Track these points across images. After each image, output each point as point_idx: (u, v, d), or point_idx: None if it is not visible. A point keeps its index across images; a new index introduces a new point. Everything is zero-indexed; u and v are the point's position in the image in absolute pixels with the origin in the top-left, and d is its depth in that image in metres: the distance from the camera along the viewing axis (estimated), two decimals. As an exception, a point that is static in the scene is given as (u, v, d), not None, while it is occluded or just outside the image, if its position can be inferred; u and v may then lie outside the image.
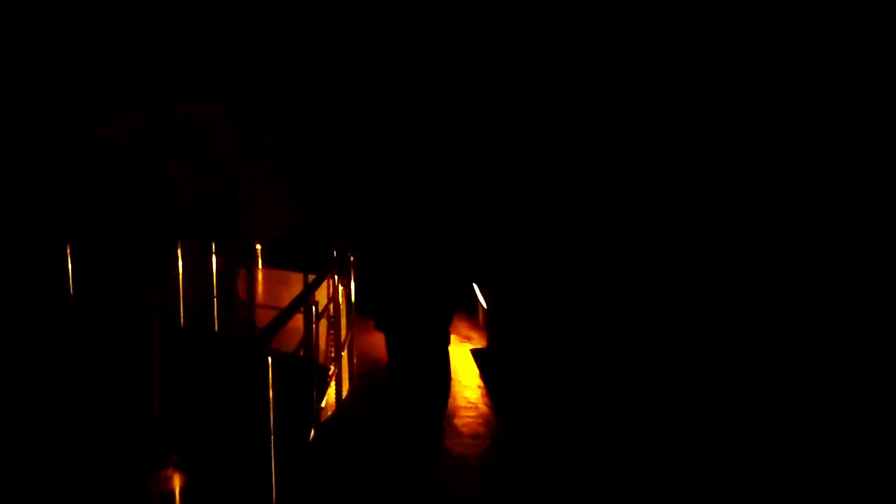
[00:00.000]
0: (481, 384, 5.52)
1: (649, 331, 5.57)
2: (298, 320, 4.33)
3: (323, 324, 4.97)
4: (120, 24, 7.72)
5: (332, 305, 5.24)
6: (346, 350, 5.47)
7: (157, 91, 8.12)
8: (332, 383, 4.79)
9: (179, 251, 7.58)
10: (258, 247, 6.79)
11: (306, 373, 4.03)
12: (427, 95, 8.43)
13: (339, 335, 5.17)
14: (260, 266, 6.76)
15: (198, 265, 7.74)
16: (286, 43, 8.35)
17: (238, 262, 6.89)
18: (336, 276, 5.77)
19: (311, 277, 5.18)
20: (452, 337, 7.21)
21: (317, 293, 5.37)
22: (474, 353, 6.51)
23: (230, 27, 8.05)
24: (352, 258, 5.76)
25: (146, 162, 8.68)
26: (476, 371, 5.98)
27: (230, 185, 8.99)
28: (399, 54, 8.49)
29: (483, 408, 4.77)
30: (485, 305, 7.13)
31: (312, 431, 3.92)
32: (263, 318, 6.64)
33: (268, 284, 6.72)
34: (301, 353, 4.11)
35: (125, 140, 8.45)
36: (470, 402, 4.91)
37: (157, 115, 8.36)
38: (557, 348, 5.86)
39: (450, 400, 4.89)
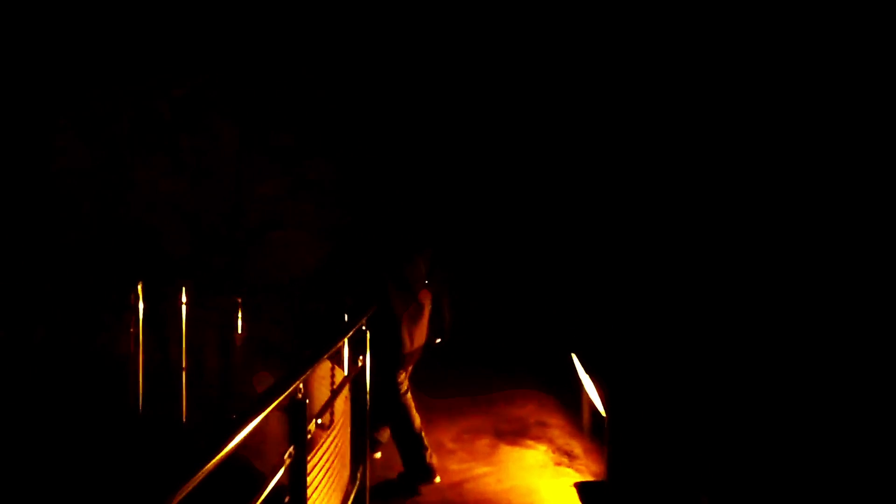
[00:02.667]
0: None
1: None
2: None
3: (323, 441, 2.57)
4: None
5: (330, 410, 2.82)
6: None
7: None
8: None
9: (139, 296, 5.26)
10: (239, 301, 4.32)
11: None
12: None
13: (335, 466, 2.64)
14: (239, 330, 4.28)
15: (173, 317, 5.39)
16: None
17: (218, 321, 4.46)
18: (346, 354, 3.28)
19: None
20: (541, 455, 4.44)
21: (318, 384, 3.13)
22: (582, 490, 3.80)
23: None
24: (364, 325, 3.22)
25: (112, 173, 6.41)
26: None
27: (230, 207, 6.62)
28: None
29: None
30: (596, 402, 4.38)
31: None
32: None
33: (248, 359, 4.23)
34: None
35: (79, 143, 6.21)
36: None
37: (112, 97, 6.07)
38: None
39: None
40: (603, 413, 4.24)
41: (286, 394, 1.89)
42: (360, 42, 6.75)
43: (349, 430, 3.12)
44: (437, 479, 3.91)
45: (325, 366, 3.38)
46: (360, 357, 3.15)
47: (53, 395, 5.39)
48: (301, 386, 2.01)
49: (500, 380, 5.95)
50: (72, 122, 6.14)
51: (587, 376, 4.59)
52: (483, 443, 4.47)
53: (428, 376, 6.32)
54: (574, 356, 5.06)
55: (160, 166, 6.59)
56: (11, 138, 6.14)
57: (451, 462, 4.15)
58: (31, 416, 5.12)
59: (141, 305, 5.22)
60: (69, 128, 6.21)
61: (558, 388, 5.49)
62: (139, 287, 5.23)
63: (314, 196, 6.94)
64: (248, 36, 6.08)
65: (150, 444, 4.77)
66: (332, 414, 3.25)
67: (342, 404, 3.21)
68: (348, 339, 3.03)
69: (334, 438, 2.77)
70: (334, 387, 3.26)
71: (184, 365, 4.92)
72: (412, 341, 3.86)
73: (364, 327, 3.14)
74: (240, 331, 4.30)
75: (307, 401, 2.02)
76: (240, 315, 4.28)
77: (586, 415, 4.71)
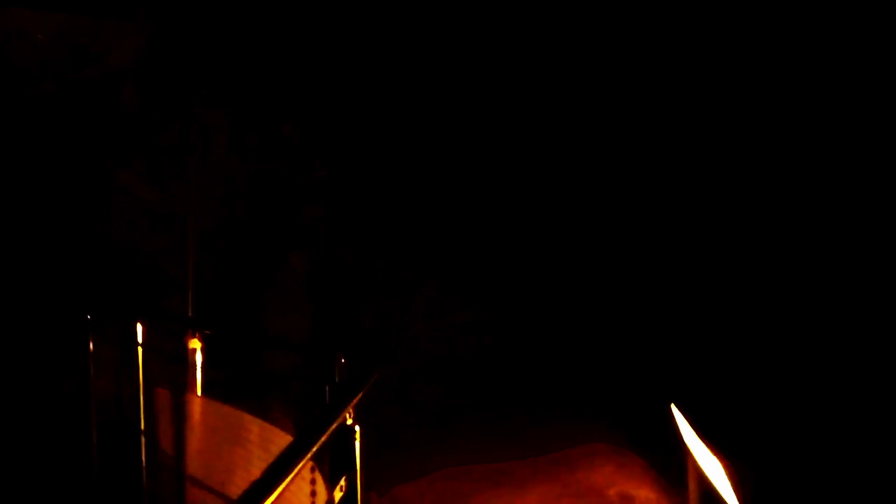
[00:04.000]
0: None
1: None
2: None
3: None
4: None
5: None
6: None
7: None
8: None
9: (90, 333, 4.06)
10: (194, 345, 3.06)
11: None
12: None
13: None
14: (198, 388, 3.02)
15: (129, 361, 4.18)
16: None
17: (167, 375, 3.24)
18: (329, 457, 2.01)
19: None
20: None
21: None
22: None
23: None
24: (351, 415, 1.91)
25: (84, 181, 5.31)
26: None
27: (222, 218, 5.45)
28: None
29: None
30: (716, 481, 2.98)
31: None
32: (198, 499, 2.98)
33: (206, 433, 2.97)
34: None
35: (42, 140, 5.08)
36: None
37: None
38: None
39: None
40: (729, 502, 2.87)
41: None
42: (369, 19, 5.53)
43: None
44: None
45: (303, 477, 2.11)
46: (343, 475, 1.86)
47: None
48: None
49: (564, 427, 4.58)
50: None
51: (699, 442, 3.20)
52: (548, 538, 3.13)
53: (468, 423, 5.01)
54: (675, 409, 3.65)
55: (137, 169, 5.43)
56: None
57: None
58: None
59: (92, 346, 4.09)
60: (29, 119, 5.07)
61: (644, 442, 4.12)
62: (88, 321, 4.10)
63: (325, 199, 5.72)
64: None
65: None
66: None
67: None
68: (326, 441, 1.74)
69: None
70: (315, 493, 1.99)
71: (142, 425, 3.71)
72: None
73: (350, 418, 1.84)
74: (199, 378, 3.04)
75: None
76: (199, 359, 3.02)
77: (693, 493, 3.32)
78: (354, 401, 1.83)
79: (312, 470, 2.08)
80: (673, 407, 3.57)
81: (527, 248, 5.74)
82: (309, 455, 1.47)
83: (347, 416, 1.80)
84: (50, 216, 5.23)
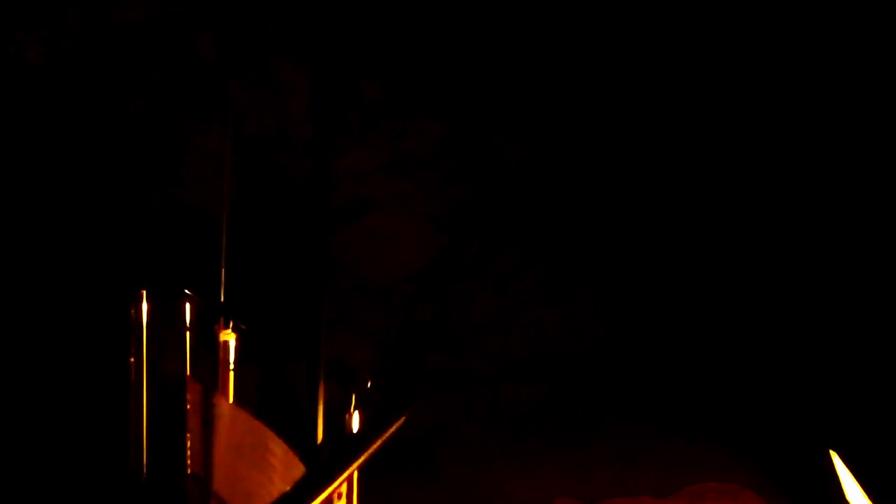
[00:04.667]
0: None
1: None
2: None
3: None
4: None
5: None
6: None
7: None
8: None
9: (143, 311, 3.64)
10: (227, 337, 2.54)
11: None
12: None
13: None
14: (230, 394, 2.50)
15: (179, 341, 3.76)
16: None
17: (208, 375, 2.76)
18: None
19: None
20: None
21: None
22: None
23: None
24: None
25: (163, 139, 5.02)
26: None
27: (305, 185, 5.00)
28: None
29: None
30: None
31: None
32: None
33: (232, 447, 2.44)
34: None
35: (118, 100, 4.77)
36: None
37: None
38: None
39: None
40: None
41: None
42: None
43: None
44: None
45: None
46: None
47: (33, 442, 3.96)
48: None
49: (681, 454, 3.79)
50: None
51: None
52: None
53: (559, 436, 4.25)
54: (836, 457, 2.78)
55: (214, 129, 5.05)
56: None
57: None
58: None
59: (145, 324, 3.69)
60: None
61: (781, 479, 3.26)
62: (143, 297, 3.70)
63: (415, 169, 5.14)
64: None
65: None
66: None
67: None
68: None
69: None
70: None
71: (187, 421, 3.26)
72: None
73: (339, 498, 1.18)
74: (231, 377, 2.52)
75: None
76: (232, 354, 2.51)
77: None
78: (348, 471, 1.16)
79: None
80: (833, 454, 2.72)
81: (652, 230, 4.88)
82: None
83: (335, 497, 1.15)
84: (117, 174, 4.92)
